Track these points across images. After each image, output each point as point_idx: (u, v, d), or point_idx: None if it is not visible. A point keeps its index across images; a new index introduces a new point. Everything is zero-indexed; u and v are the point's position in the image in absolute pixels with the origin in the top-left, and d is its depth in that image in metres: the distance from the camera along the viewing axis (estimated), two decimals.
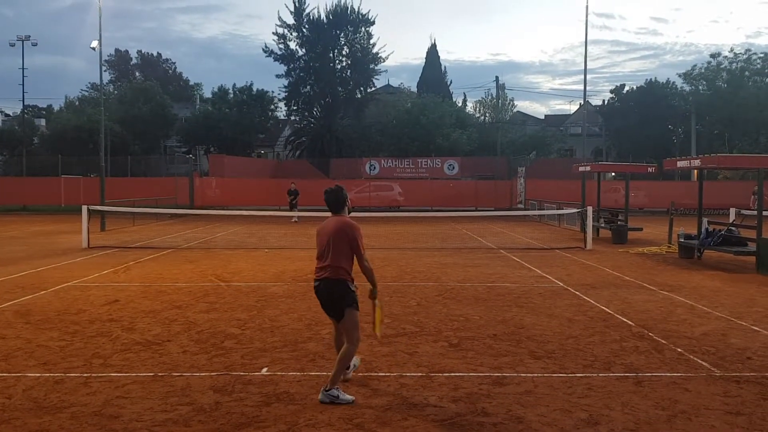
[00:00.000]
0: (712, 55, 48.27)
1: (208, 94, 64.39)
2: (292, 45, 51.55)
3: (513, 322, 8.18)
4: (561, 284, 11.29)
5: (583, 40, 74.28)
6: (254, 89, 52.18)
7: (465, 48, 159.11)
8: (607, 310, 9.03)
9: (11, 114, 71.72)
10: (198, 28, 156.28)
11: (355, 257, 5.42)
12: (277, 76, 52.08)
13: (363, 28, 51.60)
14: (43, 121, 63.43)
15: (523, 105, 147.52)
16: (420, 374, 5.99)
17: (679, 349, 6.90)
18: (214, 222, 26.97)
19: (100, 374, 5.94)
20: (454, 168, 44.49)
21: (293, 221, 26.56)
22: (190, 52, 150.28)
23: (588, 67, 47.91)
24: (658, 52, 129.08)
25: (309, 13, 50.71)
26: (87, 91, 69.10)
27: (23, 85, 48.62)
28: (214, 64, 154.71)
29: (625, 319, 8.38)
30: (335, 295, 5.40)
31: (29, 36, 46.86)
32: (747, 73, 46.86)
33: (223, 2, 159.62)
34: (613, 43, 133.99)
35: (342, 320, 5.47)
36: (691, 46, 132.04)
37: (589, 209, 18.28)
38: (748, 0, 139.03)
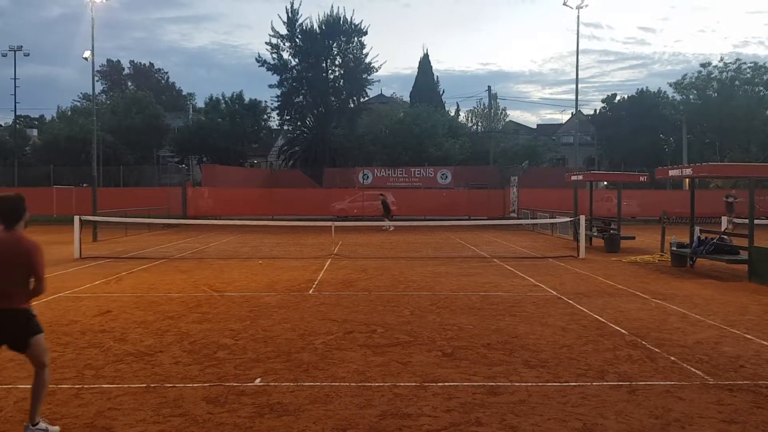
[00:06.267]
0: (703, 65, 48.73)
1: (200, 104, 64.44)
2: (285, 55, 51.69)
3: (506, 331, 8.18)
4: (554, 293, 11.31)
5: (572, 49, 74.72)
6: (246, 98, 52.25)
7: (455, 57, 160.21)
8: (600, 318, 9.04)
9: (3, 124, 71.53)
10: (188, 37, 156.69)
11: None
12: (270, 86, 52.21)
13: (356, 38, 51.77)
14: (35, 131, 63.27)
15: (515, 114, 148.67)
16: (414, 384, 5.97)
17: (673, 358, 6.91)
18: (206, 232, 26.90)
19: (92, 385, 5.90)
20: (447, 177, 44.57)
21: (391, 229, 27.30)
22: (180, 62, 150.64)
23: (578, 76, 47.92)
24: (647, 61, 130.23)
25: (302, 23, 50.89)
26: (79, 102, 69.03)
27: (15, 95, 48.63)
28: (204, 74, 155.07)
29: (618, 328, 8.39)
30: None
31: (21, 46, 46.87)
32: (737, 82, 47.26)
33: (213, 12, 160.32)
34: (602, 53, 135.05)
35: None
36: (679, 55, 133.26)
37: (582, 218, 18.33)
38: (735, 10, 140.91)
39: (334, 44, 51.52)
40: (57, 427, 4.85)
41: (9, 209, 4.70)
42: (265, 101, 54.18)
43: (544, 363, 6.70)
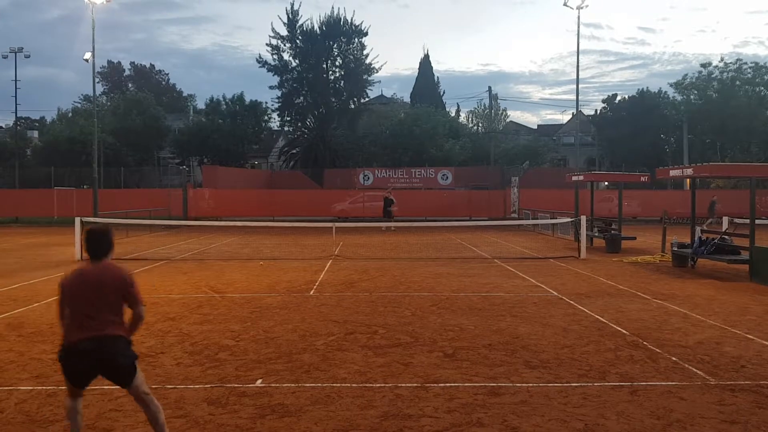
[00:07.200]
0: (703, 65, 48.71)
1: (201, 105, 64.54)
2: (286, 56, 51.80)
3: (508, 332, 8.18)
4: (555, 293, 11.30)
5: (572, 50, 74.73)
6: (246, 100, 52.33)
7: (455, 58, 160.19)
8: (601, 319, 9.04)
9: (4, 126, 71.58)
10: (187, 39, 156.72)
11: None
12: (271, 87, 52.30)
13: (356, 39, 51.88)
14: (35, 133, 63.32)
15: (515, 115, 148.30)
16: (415, 385, 5.97)
17: (674, 358, 6.90)
18: (207, 233, 26.89)
19: (92, 387, 5.86)
20: (447, 178, 44.55)
21: (392, 230, 27.66)
22: (180, 64, 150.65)
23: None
24: (647, 61, 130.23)
25: (302, 24, 50.98)
26: (80, 103, 69.09)
27: (16, 96, 48.59)
28: (204, 75, 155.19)
29: (619, 328, 8.38)
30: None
31: (22, 48, 46.84)
32: (738, 82, 47.24)
33: (212, 14, 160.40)
34: (602, 53, 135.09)
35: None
36: (679, 55, 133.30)
37: (583, 218, 18.31)
38: (735, 10, 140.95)
39: (335, 45, 51.61)
40: None
41: (96, 242, 4.62)
42: (266, 102, 54.38)
43: (546, 363, 6.70)
